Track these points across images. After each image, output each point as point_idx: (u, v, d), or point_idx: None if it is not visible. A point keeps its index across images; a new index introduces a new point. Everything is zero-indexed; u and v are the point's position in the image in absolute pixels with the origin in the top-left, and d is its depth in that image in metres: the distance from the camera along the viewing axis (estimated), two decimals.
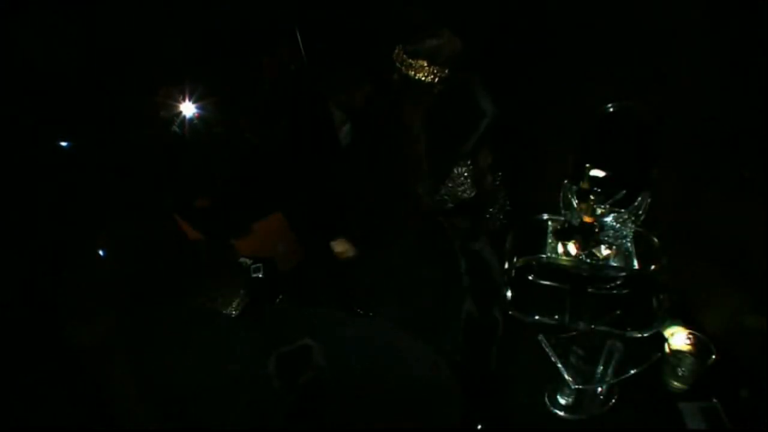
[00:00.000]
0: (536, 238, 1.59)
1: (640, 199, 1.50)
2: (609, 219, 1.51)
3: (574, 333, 1.64)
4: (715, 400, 1.67)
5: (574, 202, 1.53)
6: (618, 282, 1.53)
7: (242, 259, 2.22)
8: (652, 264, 1.47)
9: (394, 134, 1.79)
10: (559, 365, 1.65)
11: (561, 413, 1.73)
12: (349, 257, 2.20)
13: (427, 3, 2.23)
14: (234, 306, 1.58)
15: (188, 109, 2.31)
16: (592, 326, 1.57)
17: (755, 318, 1.74)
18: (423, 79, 1.48)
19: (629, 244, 1.51)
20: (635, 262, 1.47)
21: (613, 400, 1.72)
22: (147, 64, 2.25)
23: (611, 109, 1.51)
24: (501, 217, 1.72)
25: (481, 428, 1.70)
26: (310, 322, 1.31)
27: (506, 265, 1.53)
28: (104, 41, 2.13)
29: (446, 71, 1.48)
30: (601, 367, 1.63)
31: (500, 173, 1.65)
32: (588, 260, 1.46)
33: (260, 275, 2.16)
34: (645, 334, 1.52)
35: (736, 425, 1.60)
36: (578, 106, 1.71)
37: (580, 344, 1.65)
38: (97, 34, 2.11)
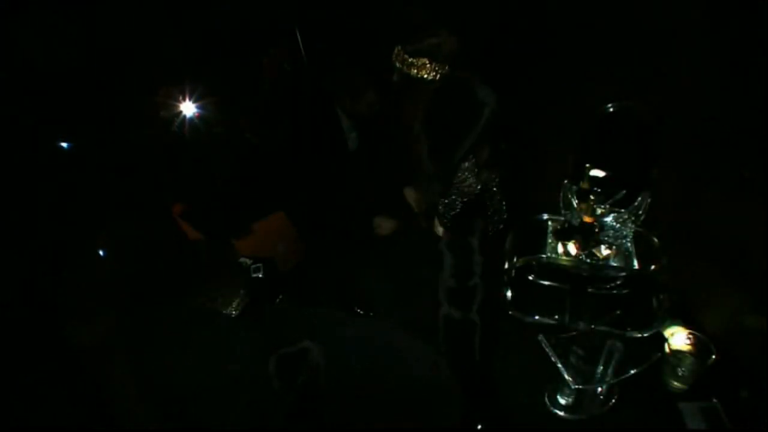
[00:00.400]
0: (536, 238, 1.59)
1: (640, 199, 1.50)
2: (609, 219, 1.51)
3: (574, 333, 1.64)
4: (715, 400, 1.67)
5: (574, 202, 1.53)
6: (618, 282, 1.52)
7: (242, 259, 2.22)
8: (652, 264, 1.46)
9: (395, 135, 1.79)
10: (559, 365, 1.65)
11: (561, 413, 1.72)
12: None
13: (427, 3, 2.24)
14: (234, 306, 1.58)
15: (188, 109, 2.31)
16: (592, 326, 1.57)
17: (755, 318, 1.74)
18: (425, 76, 1.48)
19: (629, 244, 1.50)
20: (635, 262, 1.47)
21: (613, 400, 1.72)
22: (147, 64, 2.25)
23: (611, 109, 1.51)
24: (496, 218, 1.72)
25: (481, 428, 1.69)
26: (310, 322, 1.31)
27: (506, 265, 1.52)
28: (104, 41, 2.13)
29: (447, 68, 1.49)
30: (601, 367, 1.63)
31: (497, 177, 1.65)
32: (588, 260, 1.46)
33: (260, 275, 2.16)
34: (645, 334, 1.52)
35: (736, 425, 1.60)
36: (578, 106, 1.71)
37: (580, 344, 1.65)
38: (97, 34, 2.11)
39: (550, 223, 1.62)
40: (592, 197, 1.48)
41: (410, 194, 1.92)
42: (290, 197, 2.46)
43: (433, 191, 1.65)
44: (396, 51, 1.52)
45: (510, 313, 1.58)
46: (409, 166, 1.86)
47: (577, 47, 2.14)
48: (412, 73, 1.49)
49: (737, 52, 1.62)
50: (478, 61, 1.55)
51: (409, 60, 1.48)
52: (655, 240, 1.54)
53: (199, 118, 2.33)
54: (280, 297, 2.17)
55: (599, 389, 1.71)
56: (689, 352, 1.72)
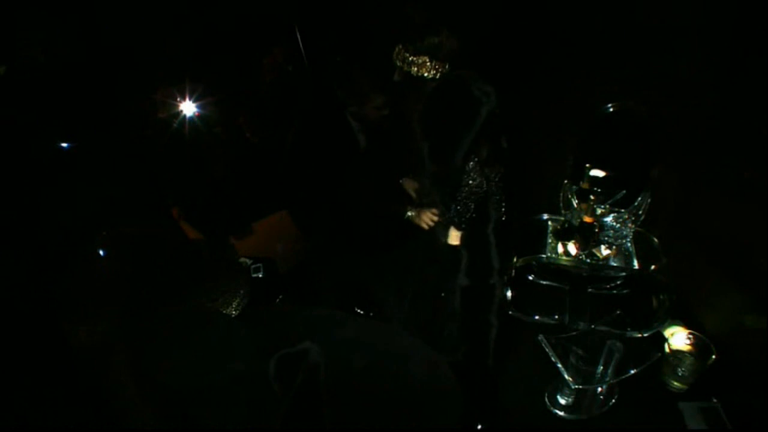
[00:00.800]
0: (536, 238, 1.59)
1: (640, 199, 1.50)
2: (609, 219, 1.51)
3: (574, 333, 1.64)
4: (715, 400, 1.67)
5: (574, 202, 1.53)
6: (618, 282, 1.53)
7: (242, 259, 2.23)
8: (652, 264, 1.47)
9: (396, 135, 1.79)
10: (559, 365, 1.65)
11: (561, 413, 1.72)
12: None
13: (428, 2, 2.23)
14: (234, 306, 1.58)
15: (188, 109, 2.31)
16: (592, 326, 1.58)
17: (755, 318, 1.74)
18: (425, 75, 1.48)
19: (629, 244, 1.51)
20: (635, 262, 1.47)
21: (613, 400, 1.72)
22: (147, 64, 2.25)
23: (611, 109, 1.51)
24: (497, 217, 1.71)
25: (481, 428, 1.69)
26: (310, 322, 1.31)
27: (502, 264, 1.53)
28: (104, 40, 2.13)
29: (447, 66, 1.49)
30: (601, 367, 1.63)
31: (497, 176, 1.64)
32: (588, 260, 1.46)
33: (260, 275, 2.16)
34: (645, 334, 1.52)
35: (736, 425, 1.60)
36: (578, 106, 1.72)
37: (580, 344, 1.65)
38: (97, 34, 2.11)
39: (550, 223, 1.63)
40: (592, 197, 1.48)
41: (409, 184, 1.92)
42: (291, 197, 2.46)
43: (436, 193, 1.64)
44: (397, 50, 1.52)
45: (510, 313, 1.59)
46: (411, 166, 1.86)
47: (576, 47, 2.15)
48: (412, 72, 1.49)
49: (737, 52, 1.62)
50: (478, 60, 1.55)
51: (410, 59, 1.48)
52: (655, 240, 1.54)
53: (199, 118, 2.33)
54: (280, 297, 2.17)
55: (599, 389, 1.71)
56: (689, 352, 1.72)
